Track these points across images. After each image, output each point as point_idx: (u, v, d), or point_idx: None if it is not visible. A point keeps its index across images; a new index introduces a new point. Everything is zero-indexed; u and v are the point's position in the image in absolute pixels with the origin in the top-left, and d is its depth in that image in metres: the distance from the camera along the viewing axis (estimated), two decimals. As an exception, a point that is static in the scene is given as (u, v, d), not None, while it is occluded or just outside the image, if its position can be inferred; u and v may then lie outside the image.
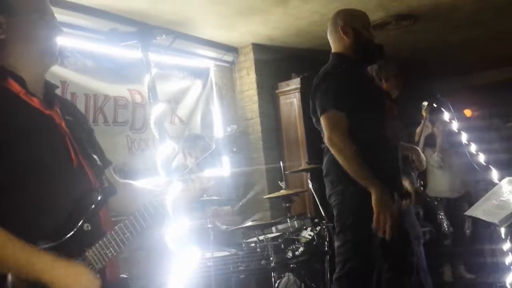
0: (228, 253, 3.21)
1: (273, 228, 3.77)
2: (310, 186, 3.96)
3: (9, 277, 1.15)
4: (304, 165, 4.22)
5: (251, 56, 5.11)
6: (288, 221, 3.77)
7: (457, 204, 4.83)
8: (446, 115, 3.71)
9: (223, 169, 4.74)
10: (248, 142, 5.07)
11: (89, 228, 1.30)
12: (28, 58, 1.35)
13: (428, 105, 3.90)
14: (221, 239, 3.39)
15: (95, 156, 1.44)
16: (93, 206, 1.33)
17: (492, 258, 4.67)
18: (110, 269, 1.36)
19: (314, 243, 3.55)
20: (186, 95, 4.73)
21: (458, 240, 4.82)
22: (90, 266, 1.28)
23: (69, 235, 1.27)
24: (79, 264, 1.24)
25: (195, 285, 2.91)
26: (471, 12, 4.66)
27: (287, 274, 3.33)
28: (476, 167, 3.52)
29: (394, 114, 2.62)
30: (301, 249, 3.49)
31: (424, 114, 4.00)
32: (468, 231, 4.81)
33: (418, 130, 4.27)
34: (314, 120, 2.50)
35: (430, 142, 4.67)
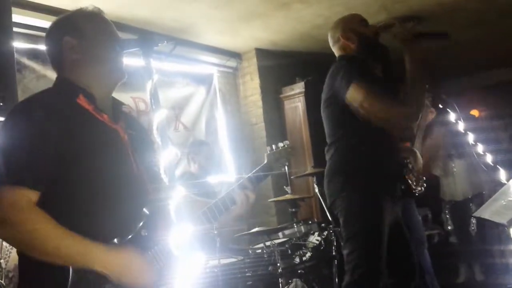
0: (235, 260, 3.19)
1: (280, 234, 3.75)
2: (316, 190, 3.93)
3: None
4: (309, 170, 4.19)
5: (254, 61, 5.11)
6: (295, 226, 3.75)
7: (464, 206, 4.80)
8: (451, 116, 3.68)
9: (228, 174, 4.75)
10: (253, 147, 5.06)
11: (146, 233, 1.40)
12: (98, 77, 1.47)
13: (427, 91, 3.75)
14: (227, 246, 3.37)
15: (154, 168, 1.55)
16: (149, 213, 1.42)
17: (501, 259, 4.62)
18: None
19: (322, 248, 3.53)
20: (190, 101, 4.73)
21: (464, 240, 4.79)
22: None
23: (127, 238, 1.36)
24: (130, 250, 1.32)
25: (203, 292, 2.89)
26: (474, 11, 4.64)
27: (294, 279, 3.31)
28: (484, 167, 3.49)
29: None
30: (309, 254, 3.47)
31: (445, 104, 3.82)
32: (473, 231, 4.77)
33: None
34: (323, 109, 2.42)
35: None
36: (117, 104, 1.56)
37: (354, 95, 2.19)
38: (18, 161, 1.27)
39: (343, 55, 2.45)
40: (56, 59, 1.49)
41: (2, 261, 2.67)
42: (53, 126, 1.30)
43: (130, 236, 1.37)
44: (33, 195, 1.27)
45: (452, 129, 4.05)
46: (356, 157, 2.28)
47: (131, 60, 3.82)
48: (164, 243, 1.41)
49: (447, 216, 4.87)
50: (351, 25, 2.43)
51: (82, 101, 1.42)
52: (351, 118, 2.26)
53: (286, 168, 4.31)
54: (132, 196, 1.43)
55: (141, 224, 1.40)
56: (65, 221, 1.28)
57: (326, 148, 2.45)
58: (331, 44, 2.52)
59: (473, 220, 4.70)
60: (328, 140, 2.44)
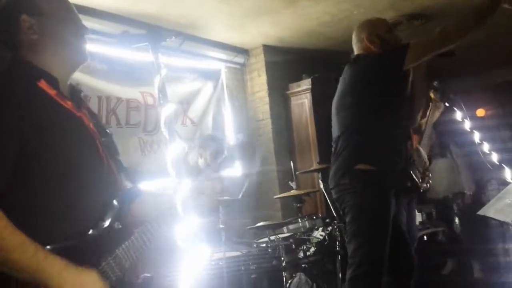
0: (239, 253, 3.23)
1: (284, 228, 3.78)
2: (321, 186, 3.96)
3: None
4: (315, 165, 4.22)
5: (261, 57, 5.13)
6: (299, 221, 3.78)
7: (443, 205, 4.88)
8: (458, 114, 3.68)
9: (234, 169, 4.76)
10: (260, 143, 5.09)
11: (120, 226, 1.33)
12: (59, 57, 1.38)
13: (435, 85, 3.72)
14: (232, 239, 3.41)
15: (119, 158, 1.49)
16: (124, 205, 1.36)
17: (505, 257, 4.63)
18: (134, 268, 1.39)
19: (326, 243, 3.55)
20: (198, 97, 4.76)
21: (451, 238, 4.85)
22: (119, 266, 1.30)
23: (101, 232, 1.30)
24: (89, 272, 1.22)
25: (207, 285, 2.93)
26: (483, 10, 4.62)
27: (298, 274, 3.34)
28: (489, 166, 3.50)
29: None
30: (313, 249, 3.50)
31: (432, 96, 3.80)
32: (457, 228, 4.83)
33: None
34: (342, 99, 2.49)
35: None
36: (76, 90, 1.47)
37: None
38: None
39: (364, 53, 2.52)
40: (11, 39, 1.37)
41: None
42: (13, 112, 1.20)
43: (103, 230, 1.31)
44: None
45: (439, 129, 4.03)
46: (369, 154, 2.32)
47: (139, 55, 3.91)
48: (137, 235, 1.36)
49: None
50: (378, 31, 2.53)
51: (43, 85, 1.32)
52: (368, 112, 2.32)
53: (292, 163, 4.35)
54: (102, 188, 1.37)
55: (112, 215, 1.34)
56: (28, 214, 1.22)
57: (335, 138, 2.47)
58: (354, 41, 2.60)
59: (456, 219, 4.77)
60: (337, 131, 2.46)
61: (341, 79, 2.53)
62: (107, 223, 1.32)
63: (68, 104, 1.36)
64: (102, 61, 3.77)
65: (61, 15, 1.40)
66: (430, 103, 3.77)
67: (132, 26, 3.76)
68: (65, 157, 1.27)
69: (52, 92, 1.32)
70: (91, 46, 3.65)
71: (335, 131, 2.49)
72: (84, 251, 1.26)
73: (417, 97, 2.55)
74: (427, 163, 3.40)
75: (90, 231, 1.29)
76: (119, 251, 1.32)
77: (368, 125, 2.35)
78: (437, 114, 3.68)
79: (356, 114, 2.40)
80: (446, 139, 4.76)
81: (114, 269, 1.30)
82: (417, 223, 4.80)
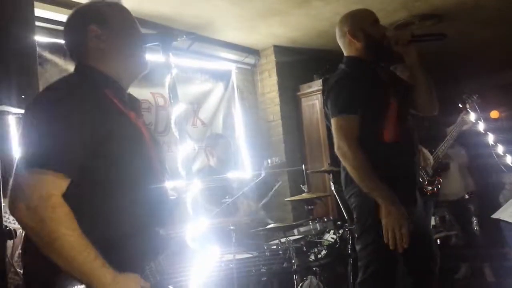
0: (250, 255, 3.21)
1: (295, 231, 3.75)
2: (333, 188, 3.92)
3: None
4: (326, 167, 4.18)
5: (272, 58, 5.11)
6: (310, 223, 3.75)
7: (463, 206, 4.82)
8: (472, 116, 3.63)
9: (245, 171, 4.76)
10: (271, 144, 5.07)
11: (163, 233, 1.38)
12: (123, 66, 1.45)
13: (470, 96, 3.64)
14: (243, 241, 3.38)
15: (166, 166, 1.53)
16: (169, 213, 1.41)
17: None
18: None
19: (337, 246, 3.52)
20: (208, 97, 4.76)
21: (468, 241, 4.77)
22: (158, 271, 1.34)
23: (148, 237, 1.34)
24: (135, 280, 1.26)
25: (217, 287, 2.91)
26: (496, 9, 4.56)
27: (309, 277, 3.31)
28: (503, 168, 3.45)
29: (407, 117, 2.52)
30: (324, 252, 3.46)
31: (468, 106, 3.70)
32: (477, 231, 4.76)
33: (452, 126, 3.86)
34: (328, 125, 2.46)
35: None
36: (133, 99, 1.54)
37: (334, 130, 2.29)
38: (50, 145, 1.22)
39: (348, 57, 2.43)
40: (79, 48, 1.45)
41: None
42: (83, 114, 1.26)
43: (151, 235, 1.36)
44: (63, 184, 1.23)
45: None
46: (371, 154, 2.26)
47: (150, 56, 3.90)
48: (175, 243, 1.39)
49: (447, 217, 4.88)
50: (361, 24, 2.37)
51: (109, 92, 1.39)
52: (364, 124, 2.27)
53: (303, 166, 4.32)
54: (154, 194, 1.41)
55: (158, 223, 1.39)
56: (87, 216, 1.26)
57: None
58: (337, 36, 2.48)
59: (475, 220, 4.70)
60: None
61: None
62: (154, 230, 1.36)
63: (131, 114, 1.43)
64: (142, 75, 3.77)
65: (126, 26, 1.47)
66: (463, 112, 3.72)
67: (143, 26, 3.72)
68: (127, 164, 1.33)
69: (117, 100, 1.39)
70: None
71: None
72: (132, 255, 1.30)
73: (419, 87, 2.43)
74: (431, 163, 3.35)
75: (138, 235, 1.32)
76: (161, 257, 1.35)
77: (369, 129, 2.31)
78: (466, 126, 3.65)
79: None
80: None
81: (154, 274, 1.33)
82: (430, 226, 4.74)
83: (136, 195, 1.34)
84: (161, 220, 1.39)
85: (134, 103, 1.52)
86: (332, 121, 2.29)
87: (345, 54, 2.47)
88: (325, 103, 2.42)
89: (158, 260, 1.34)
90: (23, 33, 2.24)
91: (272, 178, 4.64)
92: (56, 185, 1.20)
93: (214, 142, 3.89)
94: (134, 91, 4.29)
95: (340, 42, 2.48)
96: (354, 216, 2.35)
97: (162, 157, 1.53)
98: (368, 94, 2.26)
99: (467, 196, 4.88)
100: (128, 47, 1.45)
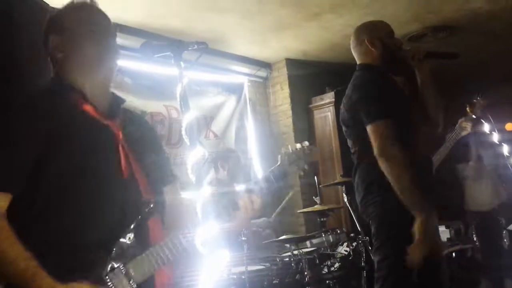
0: (262, 267, 3.19)
1: (308, 243, 3.73)
2: (345, 200, 3.90)
3: None
4: (338, 179, 4.16)
5: (284, 71, 5.14)
6: (323, 235, 3.72)
7: (491, 217, 4.70)
8: (486, 127, 3.60)
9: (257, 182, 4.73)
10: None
11: (132, 240, 1.31)
12: (85, 71, 1.40)
13: (477, 101, 3.53)
14: (254, 252, 3.37)
15: (154, 171, 1.46)
16: (139, 217, 1.33)
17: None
18: (159, 278, 1.36)
19: (350, 258, 3.48)
20: (221, 110, 4.79)
21: (495, 254, 4.65)
22: (131, 280, 1.28)
23: (112, 245, 1.29)
24: (80, 286, 1.21)
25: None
26: (508, 21, 4.54)
27: (322, 289, 3.28)
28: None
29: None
30: (337, 264, 3.43)
31: (468, 110, 3.59)
32: (506, 244, 4.64)
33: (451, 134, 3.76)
34: (345, 129, 2.44)
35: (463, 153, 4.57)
36: (117, 100, 1.49)
37: (375, 134, 2.18)
38: None
39: (365, 64, 2.43)
40: (50, 58, 1.45)
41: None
42: (35, 125, 1.25)
43: (115, 243, 1.29)
44: (3, 200, 1.21)
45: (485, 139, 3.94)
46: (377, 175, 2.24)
47: (163, 69, 3.97)
48: (149, 253, 1.32)
49: (473, 230, 4.77)
50: (379, 34, 2.38)
51: (71, 98, 1.36)
52: None
53: (315, 178, 4.31)
54: (116, 199, 1.34)
55: (127, 228, 1.32)
56: (38, 225, 1.24)
57: (353, 150, 2.42)
58: (352, 45, 2.47)
59: (506, 233, 4.58)
60: (355, 146, 2.40)
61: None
62: (119, 234, 1.30)
63: (93, 112, 1.37)
64: (127, 75, 3.83)
65: (82, 29, 1.41)
66: (462, 118, 3.67)
67: (156, 40, 3.81)
68: (80, 160, 1.28)
69: (78, 101, 1.35)
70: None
71: (352, 141, 2.44)
72: (89, 261, 1.25)
73: (428, 102, 2.43)
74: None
75: (99, 241, 1.28)
76: (130, 264, 1.29)
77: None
78: (464, 132, 3.58)
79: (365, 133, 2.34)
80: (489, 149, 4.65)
81: (122, 282, 1.28)
82: (445, 239, 4.67)
83: (92, 195, 1.29)
84: (128, 225, 1.32)
85: (113, 103, 1.47)
86: (372, 127, 2.19)
87: (359, 62, 2.48)
88: (351, 109, 2.33)
89: (126, 268, 1.28)
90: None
91: (283, 190, 4.63)
92: None
93: (225, 155, 3.91)
94: (147, 103, 4.36)
95: (355, 50, 2.48)
96: (373, 226, 2.31)
97: (145, 155, 1.46)
98: (394, 101, 2.25)
99: (497, 207, 4.76)
100: (84, 52, 1.40)
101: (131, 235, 1.31)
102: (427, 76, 2.40)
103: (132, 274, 1.29)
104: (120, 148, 1.38)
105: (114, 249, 1.29)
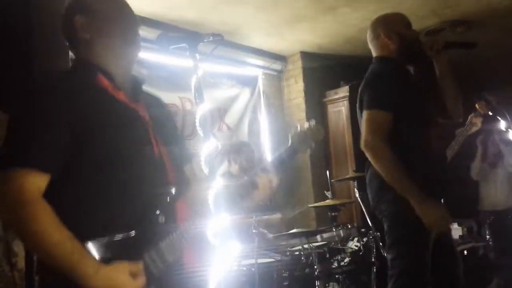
0: (272, 260, 3.20)
1: (318, 237, 3.73)
2: (357, 195, 3.89)
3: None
4: (351, 174, 4.15)
5: (299, 64, 5.12)
6: (334, 230, 3.72)
7: (504, 216, 4.66)
8: (502, 124, 3.55)
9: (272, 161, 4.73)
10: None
11: (163, 220, 1.34)
12: (112, 53, 1.42)
13: (485, 100, 3.49)
14: (265, 245, 3.39)
15: (175, 150, 1.50)
16: (168, 198, 1.36)
17: None
18: (187, 258, 1.39)
19: (361, 253, 3.48)
20: (235, 102, 4.80)
21: (508, 253, 4.60)
22: (161, 259, 1.31)
23: (144, 224, 1.31)
24: (122, 270, 1.23)
25: (239, 290, 2.92)
26: (528, 17, 4.46)
27: (332, 284, 3.28)
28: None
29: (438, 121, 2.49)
30: (347, 259, 3.43)
31: (478, 107, 3.55)
32: None
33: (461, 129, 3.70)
34: (359, 116, 2.43)
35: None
36: (137, 81, 1.52)
37: (365, 122, 2.22)
38: (25, 142, 1.21)
39: (381, 57, 2.41)
40: (70, 41, 1.46)
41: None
42: (69, 107, 1.26)
43: (146, 223, 1.31)
44: (42, 180, 1.22)
45: (499, 137, 3.88)
46: (403, 162, 2.23)
47: (178, 61, 3.97)
48: (180, 231, 1.35)
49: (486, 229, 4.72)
50: (396, 26, 2.38)
51: (99, 80, 1.37)
52: (394, 124, 2.23)
53: (327, 172, 4.30)
54: (150, 178, 1.37)
55: (158, 210, 1.34)
56: (76, 205, 1.26)
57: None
58: (369, 39, 2.47)
59: None
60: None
61: None
62: (152, 216, 1.33)
63: (122, 96, 1.40)
64: (143, 66, 3.85)
65: (112, 12, 1.44)
66: (472, 114, 3.61)
67: (172, 31, 3.82)
68: (115, 145, 1.30)
69: (106, 84, 1.37)
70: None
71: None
72: (126, 243, 1.27)
73: (446, 94, 2.40)
74: None
75: (134, 223, 1.29)
76: (162, 244, 1.32)
77: (397, 136, 2.27)
78: (474, 128, 3.54)
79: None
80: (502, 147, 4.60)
81: (156, 262, 1.31)
82: (457, 237, 4.64)
83: (127, 178, 1.32)
84: (160, 205, 1.35)
85: (136, 85, 1.50)
86: (364, 113, 2.24)
87: (375, 55, 2.46)
88: (360, 99, 2.37)
89: (159, 248, 1.31)
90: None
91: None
92: (30, 182, 1.20)
93: (237, 149, 3.92)
94: (162, 95, 4.38)
95: (372, 44, 2.47)
96: (386, 224, 2.30)
97: (169, 138, 1.49)
98: (404, 95, 2.24)
99: (502, 208, 4.71)
100: (114, 33, 1.43)
101: (162, 216, 1.34)
102: (446, 66, 2.38)
103: (165, 253, 1.32)
104: (150, 130, 1.42)
105: (148, 229, 1.31)
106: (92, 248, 1.22)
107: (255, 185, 1.49)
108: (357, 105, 2.41)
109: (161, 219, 1.33)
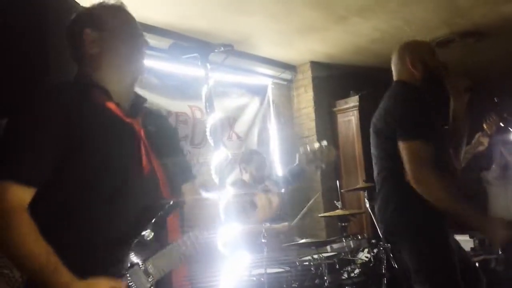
0: (281, 270, 3.18)
1: (328, 247, 3.70)
2: (367, 205, 3.86)
3: None
4: (361, 184, 4.13)
5: (309, 73, 5.13)
6: (344, 240, 3.69)
7: None
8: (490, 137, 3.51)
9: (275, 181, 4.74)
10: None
11: (151, 237, 1.32)
12: (116, 70, 1.42)
13: (494, 118, 3.50)
14: (274, 255, 3.37)
15: (174, 168, 1.48)
16: (158, 215, 1.34)
17: None
18: (175, 275, 1.38)
19: (371, 264, 3.45)
20: (244, 111, 4.81)
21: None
22: (150, 277, 1.29)
23: (132, 241, 1.30)
24: (100, 283, 1.22)
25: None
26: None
27: (341, 295, 3.25)
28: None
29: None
30: (357, 270, 3.40)
31: (486, 127, 3.56)
32: None
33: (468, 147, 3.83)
34: (374, 136, 2.36)
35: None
36: (139, 99, 1.50)
37: (409, 156, 2.13)
38: (16, 154, 1.22)
39: (404, 82, 2.38)
40: (76, 53, 1.44)
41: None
42: (59, 121, 1.25)
43: (134, 240, 1.30)
44: (25, 193, 1.22)
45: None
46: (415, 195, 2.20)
47: (188, 70, 4.00)
48: (169, 249, 1.34)
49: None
50: (422, 56, 2.37)
51: (95, 94, 1.36)
52: None
53: (337, 182, 4.28)
54: (138, 195, 1.35)
55: (147, 225, 1.32)
56: (60, 221, 1.25)
57: (377, 171, 2.36)
58: (394, 62, 2.45)
59: None
60: (379, 164, 2.33)
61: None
62: (139, 231, 1.32)
63: (116, 110, 1.38)
64: (153, 75, 3.89)
65: (123, 30, 1.43)
66: (479, 133, 3.59)
67: (183, 41, 3.85)
68: (102, 158, 1.29)
69: (101, 99, 1.36)
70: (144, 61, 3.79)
71: (378, 155, 2.38)
72: (108, 258, 1.27)
73: (461, 126, 2.45)
74: None
75: (119, 238, 1.29)
76: (147, 262, 1.31)
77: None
78: (480, 147, 3.53)
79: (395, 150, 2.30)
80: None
81: (141, 279, 1.29)
82: (469, 249, 4.58)
83: (113, 191, 1.30)
84: (148, 221, 1.33)
85: (136, 102, 1.48)
86: (405, 144, 2.15)
87: (399, 78, 2.44)
88: (383, 120, 2.29)
89: (145, 264, 1.30)
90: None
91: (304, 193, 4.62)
92: (13, 193, 1.19)
93: (248, 158, 3.92)
94: (173, 103, 4.41)
95: (396, 68, 2.46)
96: (409, 251, 2.21)
97: (166, 153, 1.48)
98: (433, 124, 2.23)
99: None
100: (123, 52, 1.42)
101: (150, 232, 1.32)
102: (462, 108, 2.42)
103: (151, 270, 1.30)
104: (142, 146, 1.40)
105: (134, 245, 1.30)
106: (73, 260, 1.21)
107: (254, 205, 1.47)
108: (377, 123, 2.33)
109: (148, 234, 1.32)
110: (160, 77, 3.96)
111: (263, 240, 2.98)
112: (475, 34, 4.55)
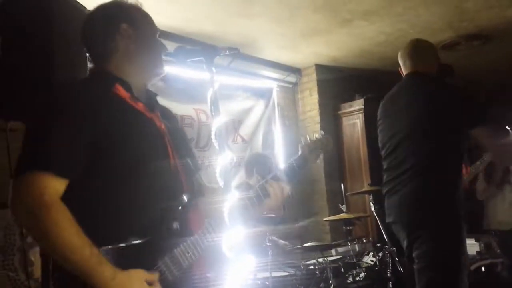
0: (286, 273, 3.18)
1: (333, 251, 3.70)
2: (373, 209, 3.85)
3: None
4: (366, 187, 4.12)
5: (314, 76, 5.13)
6: (349, 244, 3.68)
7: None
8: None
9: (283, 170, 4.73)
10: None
11: (178, 227, 1.35)
12: (140, 67, 1.46)
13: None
14: (279, 258, 3.36)
15: (188, 160, 1.53)
16: (182, 206, 1.38)
17: None
18: (196, 265, 1.40)
19: (376, 268, 3.44)
20: (249, 114, 4.81)
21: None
22: (176, 266, 1.32)
23: (159, 231, 1.32)
24: (138, 276, 1.24)
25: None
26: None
27: (346, 299, 3.25)
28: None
29: None
30: (362, 274, 3.39)
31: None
32: None
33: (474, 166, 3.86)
34: (412, 131, 2.39)
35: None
36: (152, 94, 1.55)
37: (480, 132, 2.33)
38: (49, 146, 1.23)
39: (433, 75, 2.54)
40: (105, 47, 1.44)
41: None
42: (90, 115, 1.27)
43: (162, 231, 1.33)
44: (60, 185, 1.23)
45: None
46: (455, 190, 2.29)
47: (194, 73, 4.01)
48: (194, 239, 1.37)
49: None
50: (439, 59, 2.60)
51: (118, 90, 1.39)
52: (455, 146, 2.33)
53: (342, 185, 4.27)
54: (166, 187, 1.39)
55: (173, 219, 1.35)
56: (93, 212, 1.27)
57: (404, 166, 2.37)
58: (419, 56, 2.56)
59: None
60: (412, 158, 2.35)
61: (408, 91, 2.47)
62: (168, 224, 1.34)
63: (140, 106, 1.42)
64: (160, 78, 3.89)
65: (152, 30, 1.51)
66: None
67: (188, 44, 3.86)
68: (133, 153, 1.32)
69: (125, 95, 1.40)
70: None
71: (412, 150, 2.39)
72: (141, 251, 1.28)
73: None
74: None
75: (150, 231, 1.30)
76: (177, 251, 1.34)
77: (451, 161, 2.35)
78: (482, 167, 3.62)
79: (442, 144, 2.35)
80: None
81: (171, 268, 1.32)
82: (475, 253, 4.55)
83: (143, 186, 1.33)
84: (175, 213, 1.36)
85: (150, 97, 1.53)
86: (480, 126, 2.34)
87: (423, 69, 2.54)
88: (441, 112, 2.35)
89: (174, 255, 1.33)
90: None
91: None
92: (50, 185, 1.20)
93: (253, 160, 3.92)
94: (177, 106, 4.41)
95: (416, 62, 2.55)
96: (427, 249, 2.29)
97: (183, 148, 1.52)
98: None
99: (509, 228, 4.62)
100: (153, 48, 1.48)
101: (177, 223, 1.35)
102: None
103: (180, 261, 1.33)
104: (166, 140, 1.44)
105: (163, 237, 1.33)
106: (109, 254, 1.22)
107: (267, 193, 1.51)
108: (423, 117, 2.37)
109: (176, 227, 1.35)
110: (165, 80, 3.96)
111: (267, 244, 2.97)
112: (480, 37, 4.54)
